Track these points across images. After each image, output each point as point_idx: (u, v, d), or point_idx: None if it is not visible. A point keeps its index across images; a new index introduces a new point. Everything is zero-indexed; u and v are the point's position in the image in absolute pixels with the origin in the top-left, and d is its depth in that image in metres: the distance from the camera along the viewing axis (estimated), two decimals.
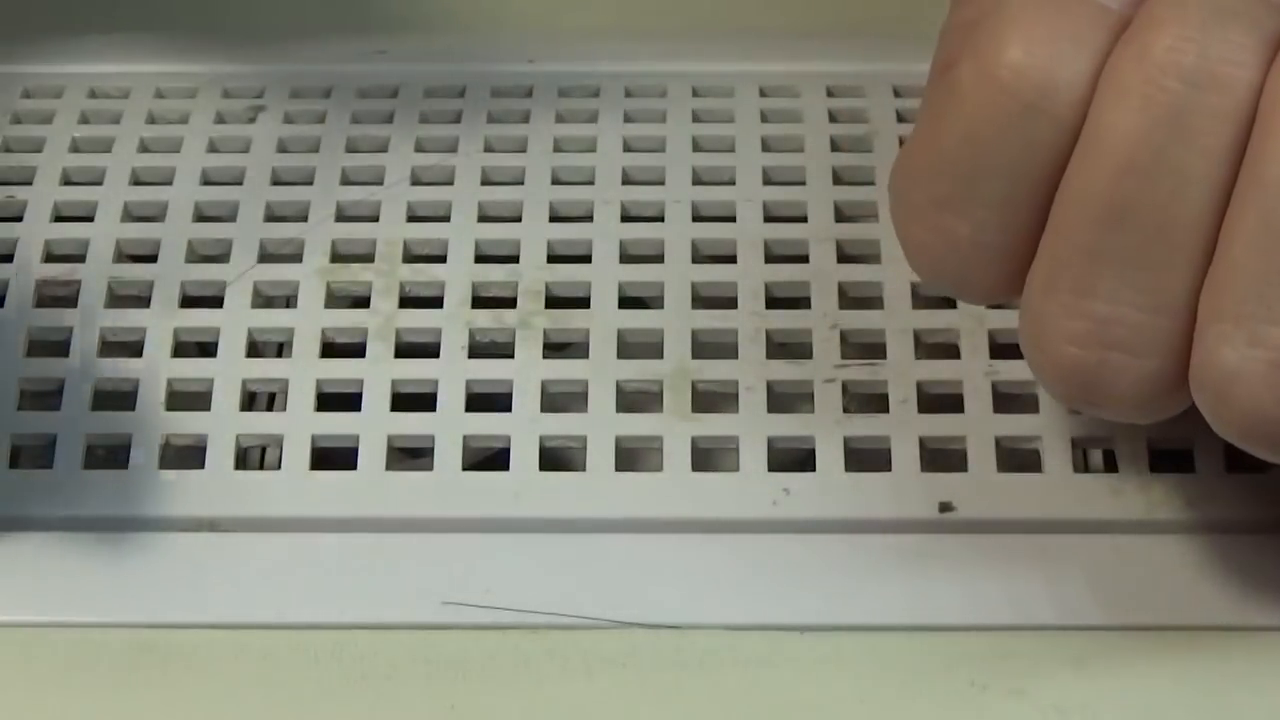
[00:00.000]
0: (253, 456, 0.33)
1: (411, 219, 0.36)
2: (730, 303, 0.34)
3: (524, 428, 0.33)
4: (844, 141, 0.37)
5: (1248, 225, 0.26)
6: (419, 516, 0.32)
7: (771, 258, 0.35)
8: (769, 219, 0.36)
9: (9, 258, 0.35)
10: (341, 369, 0.34)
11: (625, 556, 0.32)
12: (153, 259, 0.35)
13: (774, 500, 0.32)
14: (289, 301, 0.35)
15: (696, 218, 0.36)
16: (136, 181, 0.37)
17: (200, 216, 0.36)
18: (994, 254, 0.28)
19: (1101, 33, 0.27)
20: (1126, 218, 0.27)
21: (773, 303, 0.34)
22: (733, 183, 0.37)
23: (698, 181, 0.37)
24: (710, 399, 0.33)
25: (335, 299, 0.35)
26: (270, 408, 0.34)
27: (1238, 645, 0.31)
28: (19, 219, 0.36)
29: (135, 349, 0.34)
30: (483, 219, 0.36)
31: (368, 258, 0.35)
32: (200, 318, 0.34)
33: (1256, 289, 0.26)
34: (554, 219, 0.36)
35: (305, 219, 0.36)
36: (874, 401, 0.33)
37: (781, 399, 0.33)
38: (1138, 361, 0.27)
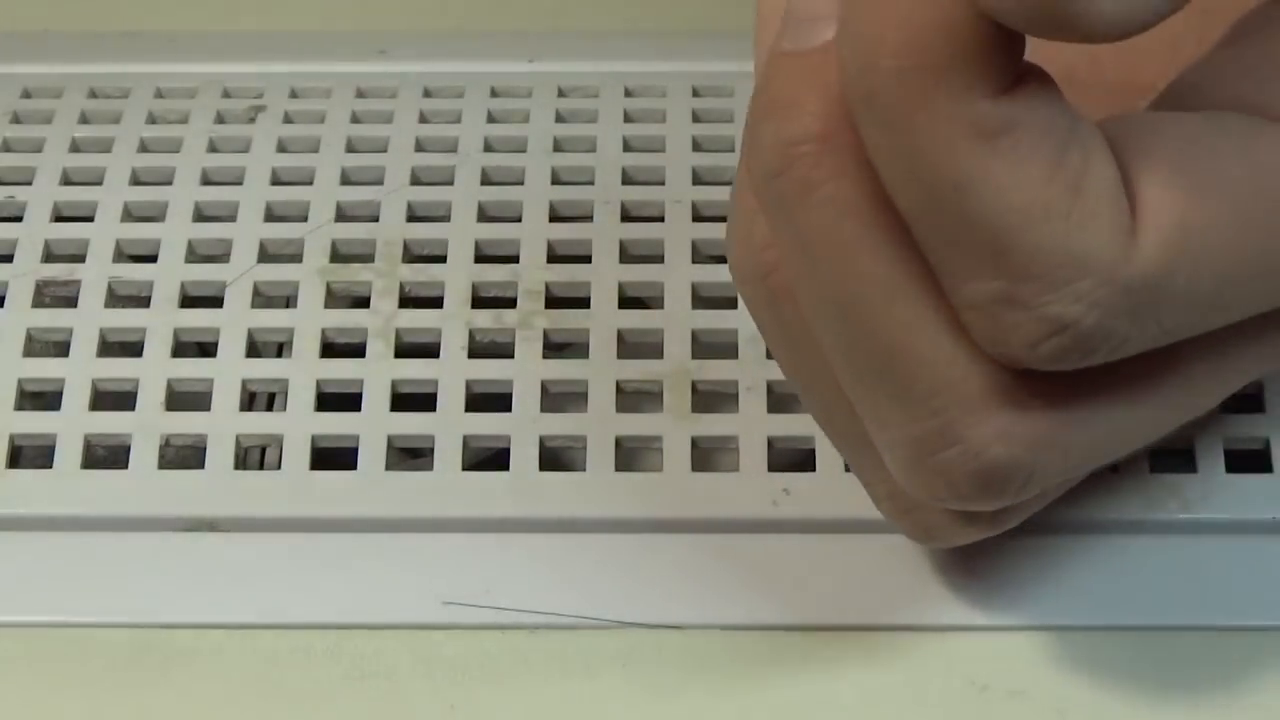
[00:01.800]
0: (253, 456, 0.33)
1: (411, 219, 0.36)
2: (730, 303, 0.34)
3: (524, 428, 0.33)
4: None
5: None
6: (419, 516, 0.32)
7: None
8: None
9: (9, 258, 0.35)
10: (341, 369, 0.34)
11: (625, 556, 0.32)
12: (153, 259, 0.35)
13: (774, 500, 0.32)
14: (289, 301, 0.35)
15: (696, 218, 0.36)
16: (136, 181, 0.37)
17: (200, 216, 0.36)
18: None
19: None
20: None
21: None
22: (732, 182, 0.37)
23: (697, 181, 0.37)
24: (710, 399, 0.33)
25: (335, 299, 0.35)
26: (270, 408, 0.34)
27: (1239, 645, 0.31)
28: (19, 219, 0.36)
29: (135, 349, 0.34)
30: (483, 219, 0.36)
31: (368, 258, 0.35)
32: (200, 318, 0.34)
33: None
34: (554, 219, 0.36)
35: (305, 219, 0.36)
36: None
37: (781, 399, 0.33)
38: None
